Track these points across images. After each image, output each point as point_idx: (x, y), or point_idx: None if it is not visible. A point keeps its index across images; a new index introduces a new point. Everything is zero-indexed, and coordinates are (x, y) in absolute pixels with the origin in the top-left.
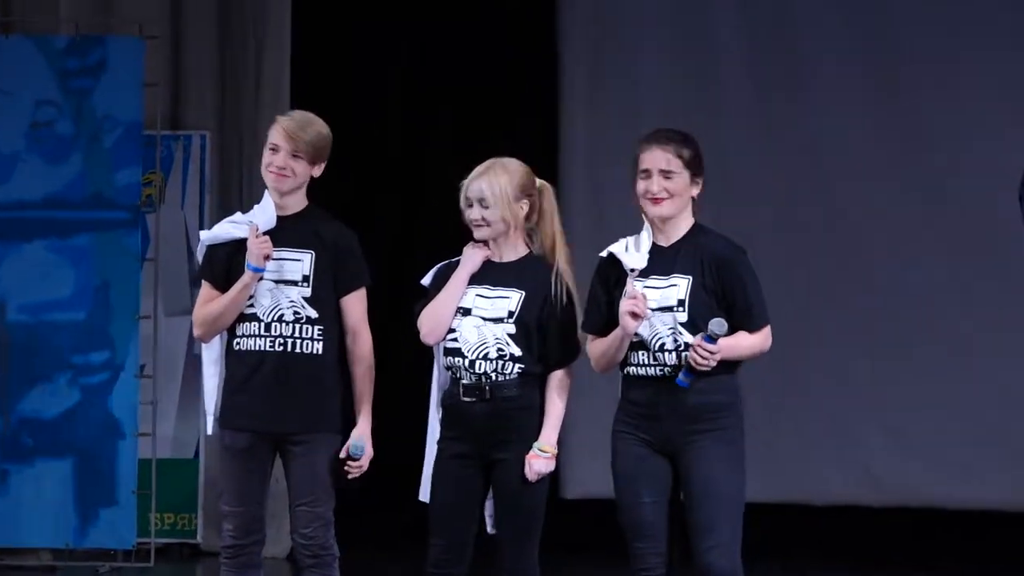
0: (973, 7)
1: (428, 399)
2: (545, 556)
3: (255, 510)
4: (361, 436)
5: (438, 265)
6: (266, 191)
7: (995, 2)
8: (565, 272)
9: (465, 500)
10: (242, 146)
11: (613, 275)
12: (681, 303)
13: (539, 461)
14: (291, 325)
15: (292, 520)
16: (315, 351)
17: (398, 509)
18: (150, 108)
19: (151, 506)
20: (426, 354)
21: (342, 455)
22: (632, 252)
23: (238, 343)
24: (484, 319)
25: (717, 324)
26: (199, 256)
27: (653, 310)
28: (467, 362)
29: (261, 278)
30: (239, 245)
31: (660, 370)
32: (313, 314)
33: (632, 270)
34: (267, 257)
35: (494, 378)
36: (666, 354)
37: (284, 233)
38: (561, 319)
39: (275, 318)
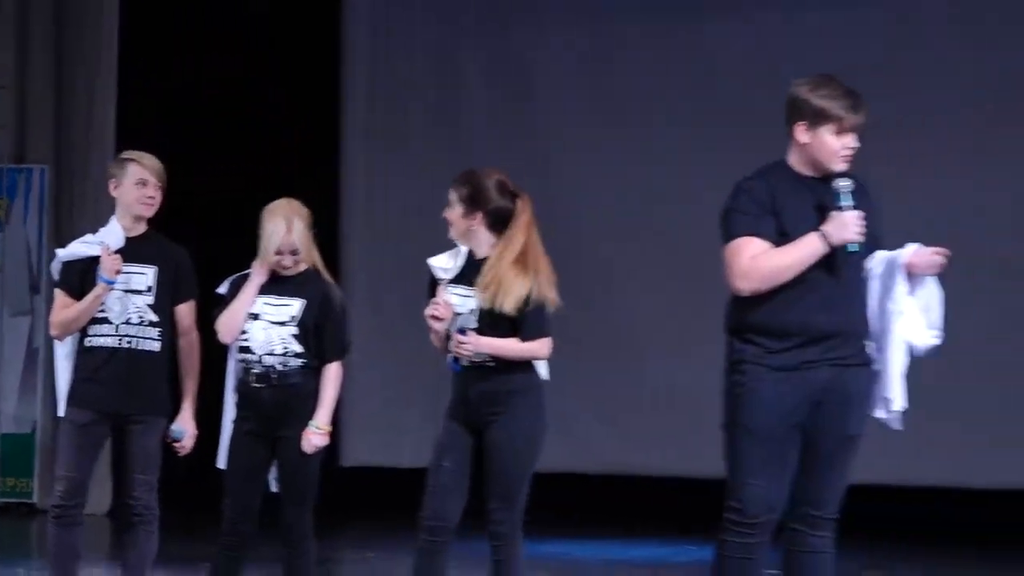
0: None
1: (225, 385)
2: (322, 515)
3: (82, 477)
4: (182, 422)
5: (232, 277)
6: (112, 216)
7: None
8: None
9: (253, 468)
10: (73, 178)
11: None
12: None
13: (316, 436)
14: (136, 327)
15: (127, 485)
16: (154, 349)
17: (201, 475)
18: None
19: None
20: (222, 348)
21: (168, 440)
22: None
23: (91, 341)
24: (271, 323)
25: (463, 319)
26: (54, 270)
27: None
28: (257, 357)
29: (112, 288)
30: (91, 261)
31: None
32: (154, 318)
33: None
34: (117, 271)
35: (279, 369)
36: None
37: (131, 251)
38: (333, 322)
39: (124, 321)
